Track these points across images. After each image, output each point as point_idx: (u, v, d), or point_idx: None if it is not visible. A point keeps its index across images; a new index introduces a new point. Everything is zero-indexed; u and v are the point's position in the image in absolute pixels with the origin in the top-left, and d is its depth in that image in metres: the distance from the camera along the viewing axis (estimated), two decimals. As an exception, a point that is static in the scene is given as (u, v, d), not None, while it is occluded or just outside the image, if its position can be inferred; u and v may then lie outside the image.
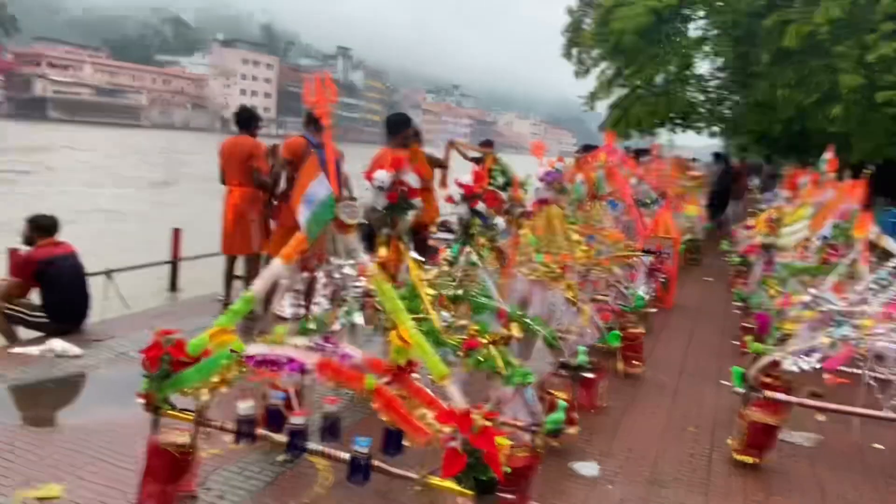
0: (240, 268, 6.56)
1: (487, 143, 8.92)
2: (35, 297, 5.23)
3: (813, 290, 4.78)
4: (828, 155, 8.29)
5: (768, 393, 3.86)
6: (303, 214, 2.59)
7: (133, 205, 20.62)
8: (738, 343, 6.28)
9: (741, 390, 3.83)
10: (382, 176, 3.07)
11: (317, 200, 2.56)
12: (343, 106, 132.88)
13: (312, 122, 5.57)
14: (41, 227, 5.20)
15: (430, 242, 5.98)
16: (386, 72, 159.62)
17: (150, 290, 9.27)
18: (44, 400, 4.15)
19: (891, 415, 3.84)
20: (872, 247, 5.18)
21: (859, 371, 4.04)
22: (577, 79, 18.51)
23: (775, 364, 3.94)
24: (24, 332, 5.16)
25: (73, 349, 4.74)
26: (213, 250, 9.13)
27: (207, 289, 8.76)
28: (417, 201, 3.29)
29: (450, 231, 8.05)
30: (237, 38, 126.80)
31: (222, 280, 6.52)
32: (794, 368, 3.88)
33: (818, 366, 3.88)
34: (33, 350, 4.73)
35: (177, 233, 9.78)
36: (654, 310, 6.13)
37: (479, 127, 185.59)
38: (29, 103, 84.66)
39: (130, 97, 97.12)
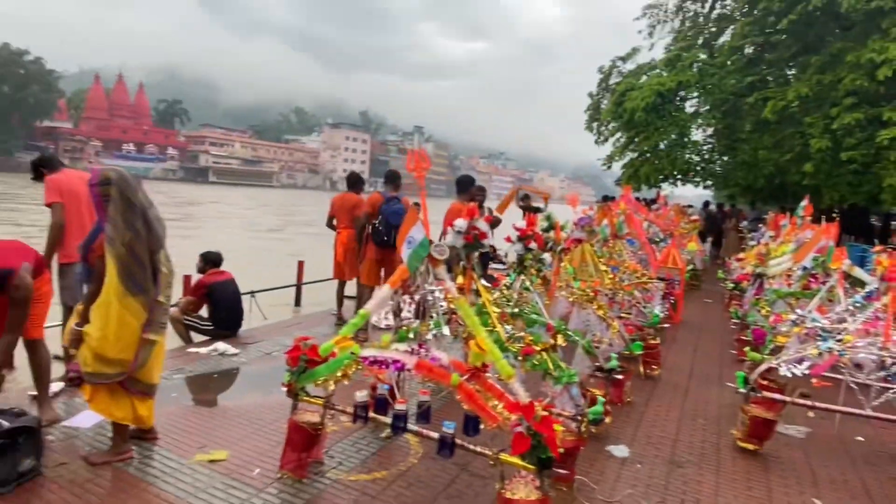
0: (342, 290, 6.65)
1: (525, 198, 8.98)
2: (204, 311, 5.42)
3: (799, 311, 4.54)
4: (804, 202, 7.91)
5: (766, 393, 3.65)
6: (405, 252, 2.64)
7: (260, 242, 21.30)
8: (735, 352, 5.98)
9: (743, 390, 3.64)
10: (461, 223, 3.09)
11: (415, 242, 2.60)
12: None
13: (389, 182, 5.71)
14: (210, 260, 5.43)
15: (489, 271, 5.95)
16: (449, 143, 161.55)
17: (281, 305, 9.49)
18: (211, 387, 4.25)
19: (869, 412, 3.57)
20: (846, 276, 4.89)
21: (841, 377, 3.79)
22: (596, 145, 18.31)
23: (771, 370, 3.73)
24: (196, 337, 5.34)
25: (232, 350, 4.87)
26: (320, 276, 9.44)
27: (323, 306, 8.97)
28: (486, 242, 3.29)
29: (501, 262, 8.05)
30: (342, 122, 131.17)
31: (335, 299, 6.61)
32: (787, 374, 3.67)
33: (807, 372, 3.67)
34: (203, 350, 4.87)
35: (301, 264, 10.06)
36: (667, 325, 5.90)
37: (519, 182, 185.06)
38: (195, 171, 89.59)
39: (266, 165, 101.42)
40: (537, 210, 10.63)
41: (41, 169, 3.85)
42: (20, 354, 3.41)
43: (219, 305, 5.27)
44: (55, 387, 3.71)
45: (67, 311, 3.82)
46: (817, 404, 3.68)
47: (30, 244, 3.12)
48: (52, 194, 3.77)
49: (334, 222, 6.33)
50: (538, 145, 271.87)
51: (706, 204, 15.78)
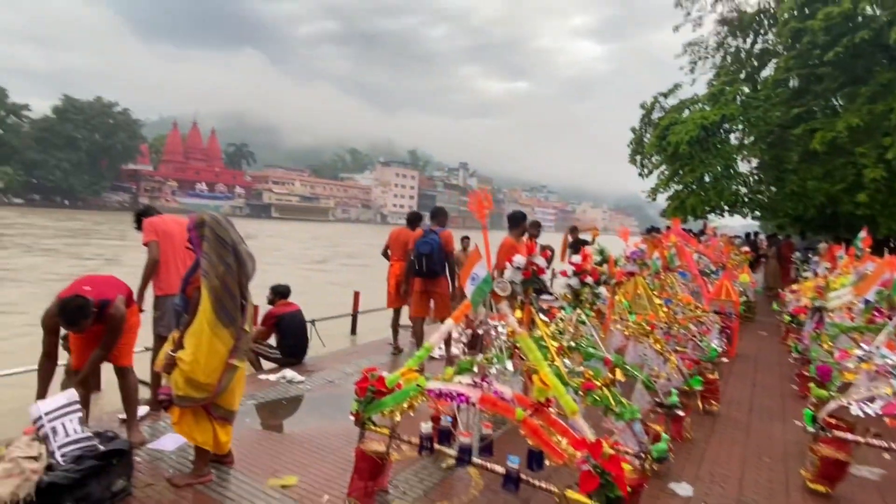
0: (397, 319, 6.68)
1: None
2: (273, 339, 5.56)
3: (865, 346, 4.22)
4: (862, 234, 7.44)
5: (837, 432, 3.38)
6: (469, 288, 2.64)
7: (306, 273, 21.70)
8: (796, 387, 5.60)
9: (812, 429, 3.38)
10: (519, 259, 3.07)
11: (479, 279, 2.61)
12: (462, 203, 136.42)
13: (434, 218, 5.79)
14: (280, 292, 5.60)
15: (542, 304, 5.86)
16: (492, 177, 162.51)
17: (338, 335, 9.61)
18: (280, 413, 4.31)
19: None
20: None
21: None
22: (640, 177, 17.98)
23: (841, 408, 3.46)
24: (265, 364, 5.46)
25: (298, 377, 4.96)
26: (364, 305, 9.54)
27: (377, 333, 9.04)
28: (544, 277, 3.25)
29: (548, 293, 7.92)
30: (392, 160, 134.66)
31: (391, 329, 6.65)
32: (859, 413, 3.39)
33: (879, 411, 3.38)
34: (272, 377, 4.98)
35: (357, 294, 10.20)
36: (724, 359, 5.61)
37: (561, 214, 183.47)
38: (260, 208, 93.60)
39: (322, 202, 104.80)
40: (584, 242, 10.49)
41: (142, 217, 4.13)
42: (110, 379, 3.59)
43: (286, 335, 5.40)
44: (141, 410, 3.87)
45: (159, 341, 4.00)
46: (893, 445, 3.38)
47: (107, 273, 3.40)
48: (148, 234, 4.03)
49: (389, 252, 6.43)
50: (580, 178, 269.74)
51: (748, 235, 15.28)
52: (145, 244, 4.00)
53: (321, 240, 44.20)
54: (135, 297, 3.58)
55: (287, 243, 34.72)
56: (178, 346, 2.82)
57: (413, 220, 6.34)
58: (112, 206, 76.71)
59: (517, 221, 5.23)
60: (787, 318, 7.43)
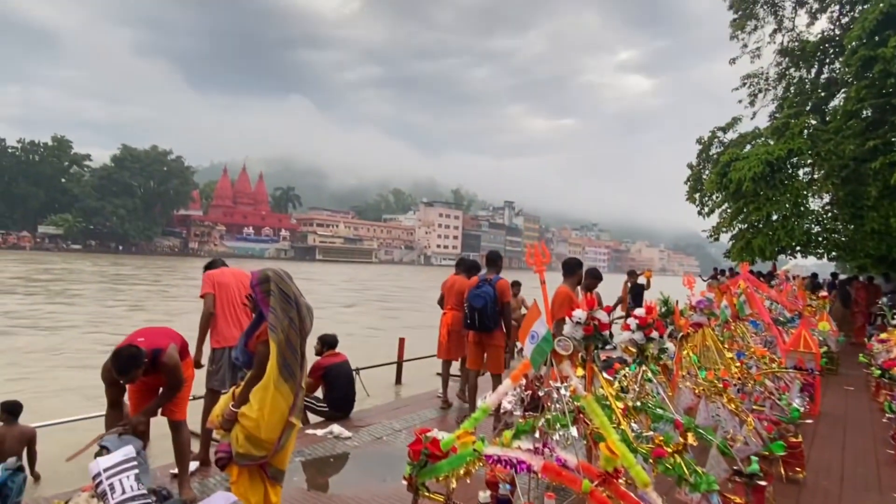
0: (447, 370, 6.63)
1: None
2: (320, 391, 5.61)
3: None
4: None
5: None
6: (528, 347, 2.61)
7: (331, 315, 21.85)
8: (892, 452, 5.14)
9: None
10: (580, 314, 3.03)
11: (538, 337, 2.58)
12: (509, 243, 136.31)
13: (490, 265, 5.71)
14: (328, 343, 5.69)
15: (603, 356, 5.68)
16: (539, 216, 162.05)
17: (383, 382, 9.60)
18: (327, 472, 4.29)
19: None
20: None
21: None
22: (700, 217, 17.50)
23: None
24: (311, 418, 5.50)
25: (345, 433, 4.96)
26: (387, 353, 9.51)
27: (423, 384, 8.98)
28: (606, 333, 3.18)
29: (606, 342, 7.71)
30: (435, 200, 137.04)
31: (441, 380, 6.59)
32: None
33: None
34: (319, 432, 5.00)
35: (402, 341, 10.20)
36: (808, 420, 5.23)
37: (615, 254, 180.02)
38: (304, 250, 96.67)
39: (366, 243, 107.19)
40: (642, 287, 10.22)
41: (207, 269, 4.38)
42: (162, 431, 3.71)
43: (334, 387, 5.44)
44: (191, 466, 3.96)
45: (211, 395, 4.13)
46: None
47: (126, 318, 3.58)
48: (205, 286, 4.24)
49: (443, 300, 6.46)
50: (633, 216, 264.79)
51: (815, 275, 14.50)
52: (202, 296, 4.19)
53: (353, 282, 44.70)
54: (191, 349, 3.73)
55: (318, 287, 35.17)
56: (241, 401, 2.88)
57: (469, 268, 6.29)
58: (162, 251, 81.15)
59: (573, 269, 5.12)
60: (877, 371, 6.90)
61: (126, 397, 3.49)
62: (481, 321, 5.32)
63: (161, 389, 3.46)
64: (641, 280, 10.40)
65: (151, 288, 28.14)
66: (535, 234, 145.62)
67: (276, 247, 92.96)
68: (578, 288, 5.34)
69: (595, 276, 5.67)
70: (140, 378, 3.34)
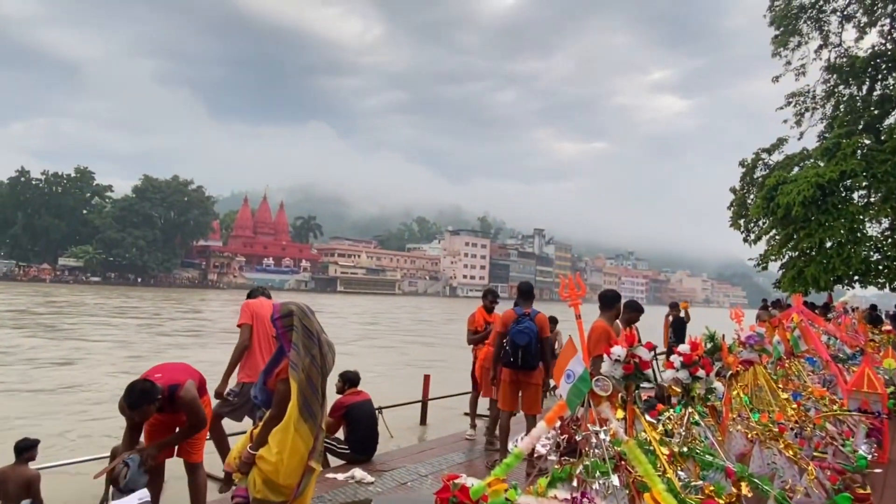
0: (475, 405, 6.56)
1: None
2: (341, 432, 5.57)
3: None
4: None
5: None
6: (563, 388, 2.56)
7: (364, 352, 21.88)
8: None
9: None
10: (619, 351, 2.96)
11: (575, 376, 2.53)
12: (539, 272, 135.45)
13: (522, 297, 5.61)
14: (349, 379, 5.67)
15: (644, 396, 5.54)
16: (571, 244, 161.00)
17: (407, 423, 9.49)
18: (348, 519, 4.25)
19: None
20: None
21: None
22: (746, 244, 17.14)
23: None
24: (331, 460, 5.45)
25: (368, 477, 4.89)
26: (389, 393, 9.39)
27: (450, 425, 8.85)
28: (649, 372, 3.09)
29: (646, 380, 7.51)
30: (461, 228, 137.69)
31: (469, 420, 6.51)
32: None
33: None
34: (339, 476, 4.92)
35: (427, 378, 10.10)
36: (878, 469, 4.96)
37: (654, 285, 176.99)
38: (325, 281, 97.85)
39: (389, 274, 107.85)
40: (684, 321, 9.99)
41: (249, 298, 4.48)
42: (177, 472, 3.72)
43: (356, 427, 5.40)
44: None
45: (216, 422, 4.15)
46: None
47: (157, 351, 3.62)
48: (243, 316, 4.32)
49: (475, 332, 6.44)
50: (672, 243, 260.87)
51: (874, 307, 13.88)
52: (239, 326, 4.26)
53: (365, 314, 44.49)
54: (208, 381, 3.74)
55: (329, 320, 35.13)
56: (259, 443, 2.89)
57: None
58: (181, 283, 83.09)
59: (611, 302, 5.02)
60: (956, 415, 6.52)
61: (143, 437, 3.53)
62: (524, 359, 5.24)
63: (178, 428, 3.48)
64: (684, 314, 10.19)
65: (149, 322, 28.38)
66: (568, 264, 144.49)
67: (297, 278, 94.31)
68: (617, 322, 5.24)
69: (634, 309, 5.55)
70: (156, 416, 3.37)
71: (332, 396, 5.86)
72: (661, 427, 3.62)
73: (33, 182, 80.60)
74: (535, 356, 5.29)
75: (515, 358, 5.26)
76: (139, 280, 78.75)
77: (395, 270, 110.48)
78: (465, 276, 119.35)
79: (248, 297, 4.54)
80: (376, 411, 7.09)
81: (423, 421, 9.59)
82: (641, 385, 6.27)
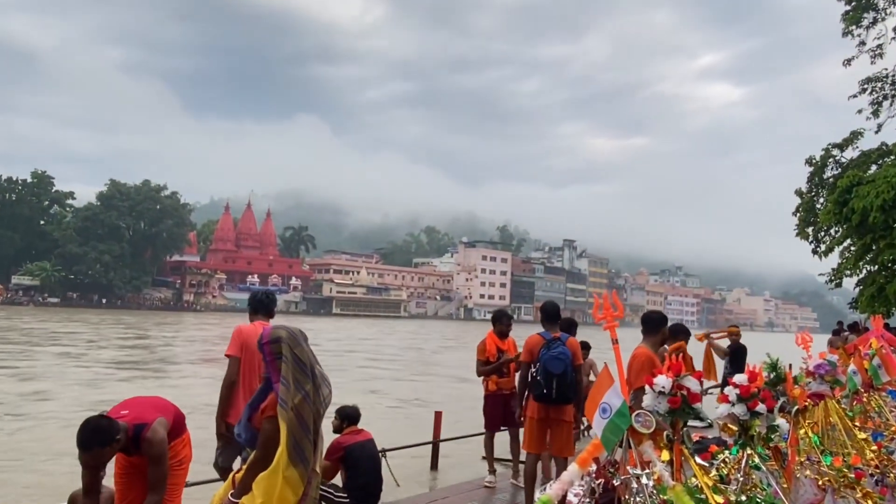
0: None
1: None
2: (339, 478, 5.59)
3: None
4: None
5: None
6: (598, 424, 2.59)
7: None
8: None
9: None
10: (663, 381, 2.98)
11: (612, 410, 2.56)
12: (570, 291, 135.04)
13: (548, 320, 5.65)
14: (348, 416, 5.71)
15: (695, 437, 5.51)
16: (608, 257, 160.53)
17: (415, 468, 9.49)
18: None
19: None
20: None
21: None
22: (816, 257, 17.02)
23: None
24: (328, 510, 5.47)
25: (370, 530, 4.91)
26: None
27: (465, 470, 8.85)
28: (698, 406, 3.11)
29: (699, 418, 7.46)
30: (477, 239, 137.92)
31: (488, 462, 6.54)
32: None
33: None
34: (340, 529, 4.96)
35: (438, 416, 10.11)
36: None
37: (706, 305, 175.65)
38: (318, 303, 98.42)
39: (393, 293, 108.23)
40: (743, 348, 9.91)
41: (249, 306, 4.53)
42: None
43: (356, 472, 5.41)
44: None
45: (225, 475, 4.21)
46: None
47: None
48: (232, 346, 4.35)
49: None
50: (728, 256, 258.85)
51: None
52: (226, 356, 4.31)
53: (365, 340, 44.69)
54: (181, 421, 3.76)
55: (326, 345, 34.72)
56: (242, 490, 2.93)
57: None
58: (152, 305, 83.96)
59: (655, 326, 5.03)
60: None
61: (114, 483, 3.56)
62: (560, 390, 5.25)
63: (149, 478, 3.40)
64: (723, 340, 10.14)
65: (75, 350, 28.28)
66: (604, 281, 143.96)
67: (286, 298, 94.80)
68: (664, 348, 5.24)
69: (682, 333, 5.57)
70: (125, 458, 3.38)
71: (328, 436, 5.94)
72: (714, 471, 3.62)
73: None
74: (571, 387, 5.31)
75: (549, 389, 5.26)
76: (104, 301, 79.71)
77: (400, 289, 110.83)
78: (482, 296, 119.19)
79: (250, 305, 4.54)
80: (379, 454, 7.12)
81: (433, 465, 9.61)
82: (691, 423, 6.26)
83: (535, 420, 5.48)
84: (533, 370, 5.46)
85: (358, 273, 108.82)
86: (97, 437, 3.10)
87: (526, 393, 5.65)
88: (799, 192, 18.03)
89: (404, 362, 30.39)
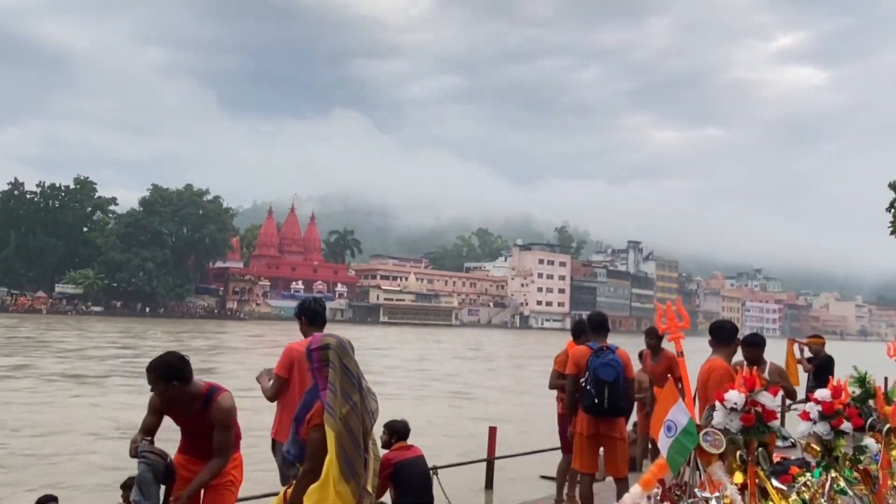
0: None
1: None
2: (387, 496, 5.66)
3: None
4: None
5: None
6: (663, 443, 2.58)
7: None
8: None
9: None
10: (735, 397, 2.94)
11: (678, 428, 2.55)
12: (636, 297, 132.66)
13: (596, 330, 5.64)
14: (397, 431, 5.78)
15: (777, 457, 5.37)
16: (677, 259, 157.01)
17: (468, 486, 9.51)
18: None
19: None
20: None
21: None
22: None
23: None
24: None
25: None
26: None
27: (522, 490, 8.82)
28: (775, 423, 3.05)
29: (782, 437, 7.24)
30: (533, 242, 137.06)
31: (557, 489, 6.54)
32: None
33: None
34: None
35: (493, 431, 10.11)
36: None
37: (790, 312, 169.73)
38: (365, 310, 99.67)
39: (443, 300, 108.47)
40: (829, 360, 9.55)
41: (303, 317, 4.66)
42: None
43: (406, 490, 5.48)
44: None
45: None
46: None
47: None
48: (281, 365, 4.49)
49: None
50: (813, 258, 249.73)
51: None
52: (276, 374, 4.48)
53: (414, 349, 44.89)
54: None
55: (372, 358, 34.70)
56: None
57: (579, 332, 6.13)
58: (195, 313, 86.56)
59: (726, 336, 4.93)
60: None
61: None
62: (612, 400, 5.22)
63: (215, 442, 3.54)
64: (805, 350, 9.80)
65: (92, 365, 28.14)
66: (673, 286, 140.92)
67: (331, 306, 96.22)
68: (740, 361, 5.15)
69: (754, 344, 5.46)
70: (189, 419, 3.56)
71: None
72: (795, 496, 3.54)
73: (27, 196, 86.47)
74: (624, 396, 5.28)
75: (600, 399, 5.23)
76: (147, 309, 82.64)
77: (451, 296, 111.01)
78: (539, 303, 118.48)
79: (303, 315, 4.65)
80: (430, 471, 7.18)
81: (488, 485, 9.61)
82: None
83: (584, 437, 5.43)
84: (582, 381, 5.45)
85: (406, 279, 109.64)
86: (171, 369, 3.43)
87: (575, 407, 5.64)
88: (893, 186, 17.37)
89: (480, 374, 30.12)
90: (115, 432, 13.49)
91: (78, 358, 29.48)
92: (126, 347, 36.26)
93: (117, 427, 14.01)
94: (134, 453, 3.37)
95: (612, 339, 5.71)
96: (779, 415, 3.27)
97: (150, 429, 3.54)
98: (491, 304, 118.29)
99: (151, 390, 3.52)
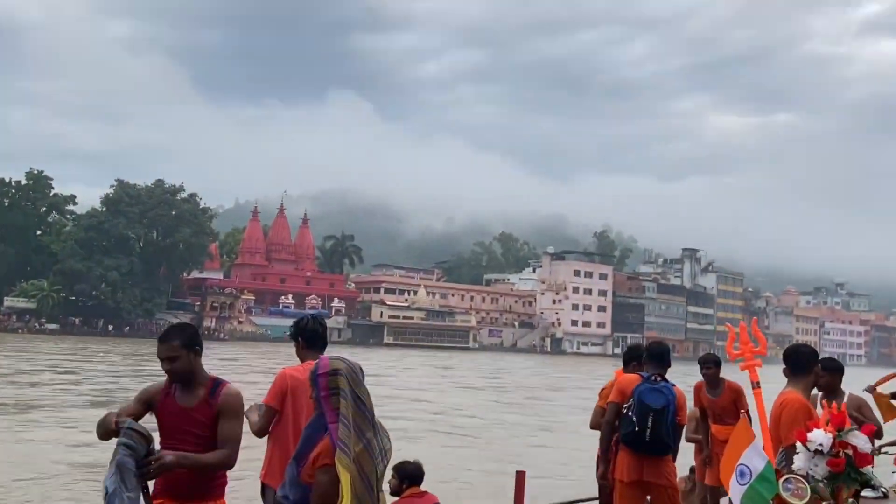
0: None
1: None
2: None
3: None
4: None
5: None
6: (735, 491, 2.56)
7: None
8: None
9: None
10: (821, 437, 2.92)
11: (753, 473, 2.53)
12: (692, 316, 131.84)
13: (653, 361, 5.62)
14: (409, 475, 5.78)
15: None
16: (742, 272, 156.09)
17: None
18: None
19: None
20: None
21: None
22: None
23: None
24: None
25: None
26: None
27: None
28: (868, 470, 3.03)
29: (871, 486, 7.15)
30: (568, 250, 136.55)
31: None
32: None
33: None
34: None
35: (521, 476, 10.06)
36: None
37: (878, 335, 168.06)
38: (367, 330, 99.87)
39: (459, 319, 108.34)
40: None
41: (300, 339, 4.69)
42: None
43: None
44: None
45: None
46: None
47: None
48: (272, 395, 4.47)
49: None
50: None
51: None
52: (265, 404, 4.46)
53: (427, 376, 44.78)
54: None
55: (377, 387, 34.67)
56: None
57: (633, 357, 6.18)
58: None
59: (804, 363, 4.88)
60: None
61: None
62: (656, 432, 5.18)
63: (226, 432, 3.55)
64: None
65: (19, 392, 28.12)
66: (738, 303, 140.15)
67: (327, 324, 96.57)
68: (816, 393, 5.10)
69: (830, 369, 5.40)
70: (189, 401, 3.54)
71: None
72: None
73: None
74: (670, 431, 5.24)
75: (642, 428, 5.19)
76: (110, 327, 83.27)
77: (468, 313, 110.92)
78: (574, 323, 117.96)
79: (300, 336, 4.68)
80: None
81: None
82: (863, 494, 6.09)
83: (625, 483, 5.37)
84: (625, 407, 5.42)
85: (415, 293, 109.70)
86: (180, 333, 3.57)
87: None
88: None
89: (504, 407, 30.18)
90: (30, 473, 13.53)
91: (4, 384, 29.60)
92: (69, 372, 36.54)
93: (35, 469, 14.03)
94: (114, 430, 3.26)
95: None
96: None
97: (131, 416, 3.49)
98: (516, 323, 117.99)
99: (163, 365, 3.55)
